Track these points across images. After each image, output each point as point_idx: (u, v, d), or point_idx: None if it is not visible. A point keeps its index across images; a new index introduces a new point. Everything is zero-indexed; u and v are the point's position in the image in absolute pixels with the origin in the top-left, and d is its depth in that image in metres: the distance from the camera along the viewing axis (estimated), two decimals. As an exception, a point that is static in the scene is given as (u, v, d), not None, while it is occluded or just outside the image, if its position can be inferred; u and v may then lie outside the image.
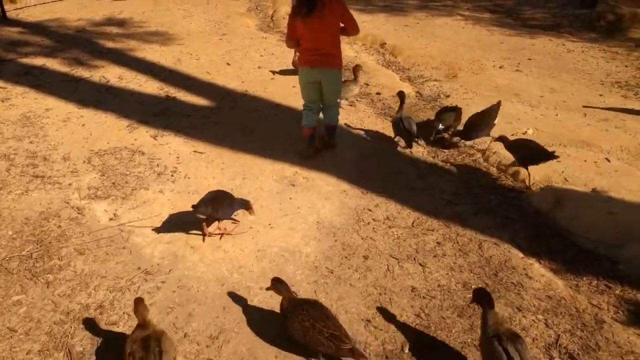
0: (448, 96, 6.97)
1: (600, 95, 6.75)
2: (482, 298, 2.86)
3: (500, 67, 7.80)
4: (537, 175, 4.93)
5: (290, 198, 4.49)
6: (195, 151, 5.32)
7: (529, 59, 8.08)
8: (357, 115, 6.37)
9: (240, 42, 9.10)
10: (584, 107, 6.43)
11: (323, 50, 4.77)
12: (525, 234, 4.23)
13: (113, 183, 4.68)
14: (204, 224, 3.89)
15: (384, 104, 6.80)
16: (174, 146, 5.41)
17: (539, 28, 10.16)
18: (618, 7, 9.67)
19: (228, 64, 7.98)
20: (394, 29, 9.97)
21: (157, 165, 5.01)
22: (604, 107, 6.43)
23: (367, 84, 7.46)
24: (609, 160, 5.07)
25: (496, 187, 4.90)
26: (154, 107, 6.38)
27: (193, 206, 3.76)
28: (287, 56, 8.42)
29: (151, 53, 8.41)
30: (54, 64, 7.75)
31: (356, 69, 6.55)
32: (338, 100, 5.28)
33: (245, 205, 3.99)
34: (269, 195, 4.53)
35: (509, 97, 6.83)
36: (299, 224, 4.15)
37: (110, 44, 8.76)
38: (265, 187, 4.66)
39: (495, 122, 5.41)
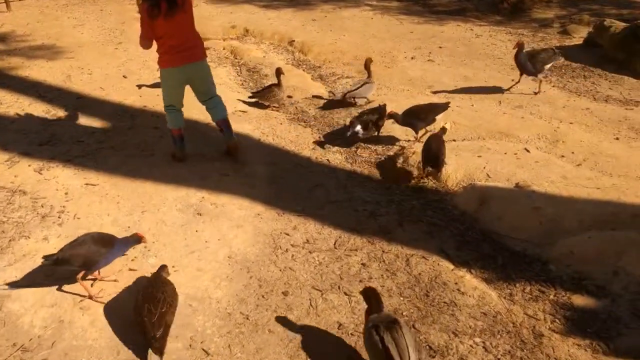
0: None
1: (512, 80, 6.67)
2: (371, 298, 2.83)
3: (412, 58, 7.61)
4: (459, 173, 4.71)
5: (196, 231, 4.00)
6: (87, 184, 4.71)
7: (440, 47, 7.94)
8: (268, 123, 5.94)
9: (137, 51, 8.37)
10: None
11: (190, 43, 4.55)
12: (453, 241, 3.98)
13: (-14, 235, 4.00)
14: (78, 277, 3.31)
15: (296, 108, 6.41)
16: (62, 180, 4.76)
17: (446, 14, 10.11)
18: (519, -13, 9.76)
19: (124, 76, 7.31)
20: (301, 24, 9.59)
21: (42, 206, 4.37)
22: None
23: (278, 87, 7.01)
24: (528, 151, 4.93)
25: (418, 191, 4.63)
26: (39, 135, 5.65)
27: (45, 257, 3.22)
28: (189, 63, 7.82)
29: (36, 70, 7.58)
30: None
31: (368, 63, 6.24)
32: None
33: (134, 241, 3.48)
34: (172, 230, 4.02)
35: (423, 89, 6.63)
36: (207, 262, 3.68)
37: (-12, 64, 7.82)
38: (168, 220, 4.14)
39: (437, 118, 5.16)
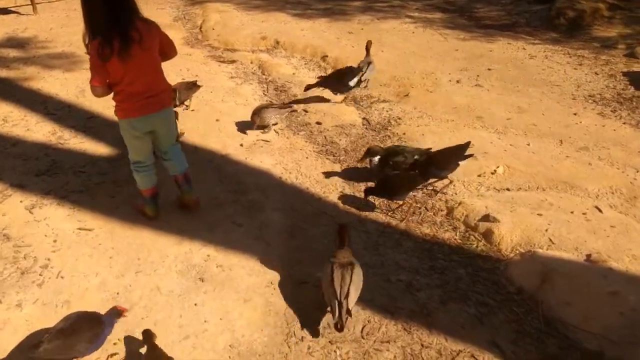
0: (400, 122, 5.92)
1: (575, 114, 5.80)
2: (342, 234, 3.30)
3: (458, 82, 6.80)
4: (515, 235, 3.91)
5: (195, 304, 3.32)
6: (80, 229, 4.10)
7: (489, 69, 7.11)
8: (292, 157, 5.23)
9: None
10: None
11: (156, 89, 3.65)
12: (509, 331, 3.21)
13: (-47, 295, 3.41)
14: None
15: (325, 137, 5.68)
16: (53, 222, 4.17)
17: (495, 28, 9.23)
18: (578, 1, 8.82)
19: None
20: (336, 37, 8.86)
21: (24, 257, 3.77)
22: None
23: (306, 111, 6.32)
24: (600, 210, 4.10)
25: (465, 255, 3.86)
26: (39, 162, 5.09)
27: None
28: (213, 78, 7.21)
29: (51, 82, 7.06)
30: None
31: (369, 44, 6.45)
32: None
33: (115, 315, 2.97)
34: (167, 301, 3.35)
35: (470, 121, 5.82)
36: (204, 351, 2.99)
37: (2, 73, 7.34)
38: (165, 286, 3.48)
39: (461, 164, 4.38)
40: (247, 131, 5.71)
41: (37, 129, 5.74)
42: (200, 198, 4.42)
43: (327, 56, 8.04)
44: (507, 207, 4.21)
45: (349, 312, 3.00)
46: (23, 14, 10.41)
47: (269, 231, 4.05)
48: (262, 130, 5.68)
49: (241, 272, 3.61)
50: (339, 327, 2.98)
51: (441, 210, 4.37)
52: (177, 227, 4.07)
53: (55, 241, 3.95)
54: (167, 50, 3.75)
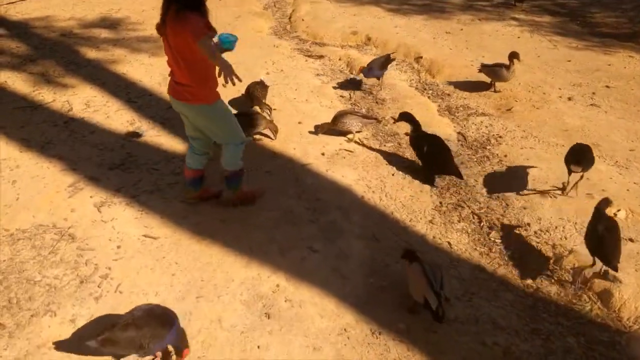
0: (500, 141, 5.27)
1: None
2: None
3: (570, 99, 6.02)
4: (629, 291, 3.24)
5: (258, 347, 2.94)
6: (146, 235, 3.83)
7: (607, 87, 6.26)
8: (377, 172, 4.75)
9: (246, 53, 7.51)
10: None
11: (176, 77, 3.53)
12: None
13: (8, 301, 3.20)
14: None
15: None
16: (119, 225, 3.93)
17: (613, 37, 8.24)
18: None
19: (224, 85, 6.39)
20: (432, 37, 8.22)
21: (86, 263, 3.54)
22: None
23: (394, 119, 5.78)
24: None
25: (576, 320, 3.24)
26: (115, 153, 4.90)
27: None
28: (299, 74, 6.82)
29: (136, 67, 6.94)
30: (16, 82, 6.34)
31: (512, 57, 6.05)
32: (238, 142, 3.83)
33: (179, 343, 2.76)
34: (227, 339, 2.99)
35: (584, 147, 5.06)
36: (263, 411, 2.59)
37: (92, 53, 7.31)
38: (227, 319, 3.12)
39: None
40: (329, 138, 5.27)
41: (117, 117, 5.58)
42: (276, 213, 4.05)
43: (421, 57, 7.44)
44: (630, 264, 3.53)
45: (447, 299, 3.06)
46: (118, -7, 10.45)
47: (348, 263, 3.60)
48: (346, 139, 5.23)
49: (312, 310, 3.18)
50: (441, 314, 2.92)
51: (547, 257, 3.74)
52: (247, 245, 3.72)
53: (119, 247, 3.69)
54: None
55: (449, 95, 6.47)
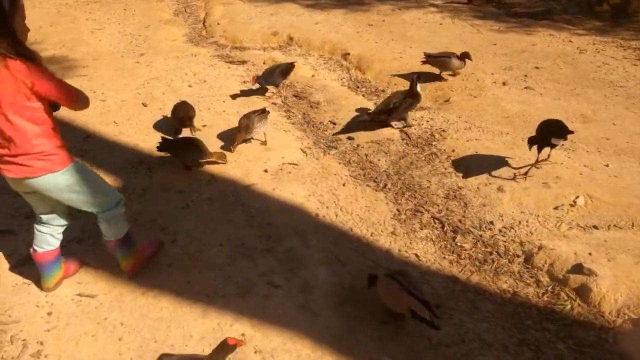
0: (445, 135, 5.12)
1: (652, 124, 5.00)
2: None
3: (504, 84, 5.99)
4: (620, 293, 3.16)
5: (234, 417, 2.56)
6: (80, 294, 3.33)
7: (537, 68, 6.28)
8: (327, 184, 4.45)
9: (163, 65, 7.00)
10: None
11: (11, 150, 2.62)
12: None
13: None
14: None
15: (360, 156, 4.89)
16: (47, 286, 3.38)
17: (529, 17, 8.37)
18: (621, -15, 7.96)
19: (144, 104, 5.90)
20: (355, 30, 8.01)
21: (11, 341, 3.02)
22: None
23: (334, 123, 5.52)
24: None
25: (560, 321, 3.11)
26: (29, 198, 4.28)
27: None
28: (224, 83, 6.39)
29: (41, 94, 6.20)
30: None
31: (464, 57, 5.94)
32: (113, 205, 3.10)
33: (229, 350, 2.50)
34: (196, 412, 2.58)
35: (529, 133, 4.99)
36: None
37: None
38: (190, 386, 2.71)
39: None
40: (269, 151, 4.93)
41: (27, 155, 4.92)
42: (227, 247, 3.66)
43: (348, 54, 7.21)
44: (601, 253, 3.44)
45: (437, 306, 2.97)
46: (9, 11, 9.46)
47: (315, 295, 3.28)
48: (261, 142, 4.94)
49: (287, 359, 2.84)
50: (436, 324, 2.76)
51: (517, 256, 3.61)
52: (201, 290, 3.31)
53: (49, 314, 3.18)
54: (58, 99, 2.68)
55: (383, 91, 6.28)
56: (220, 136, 5.13)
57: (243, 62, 7.24)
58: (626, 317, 3.07)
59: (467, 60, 5.95)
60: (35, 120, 2.61)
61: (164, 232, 3.89)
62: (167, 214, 4.09)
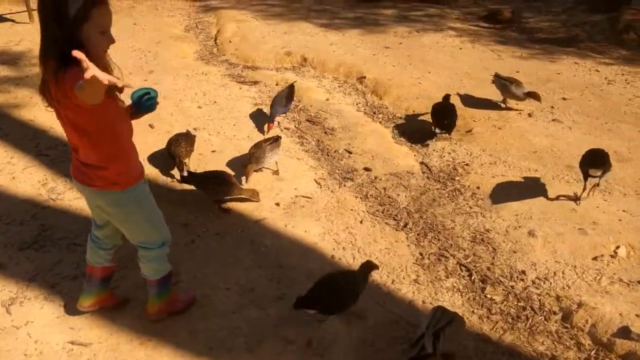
0: (468, 169, 4.81)
1: (691, 165, 4.67)
2: None
3: (530, 115, 5.69)
4: (674, 365, 2.80)
5: None
6: (73, 342, 3.02)
7: (564, 99, 5.99)
8: (342, 221, 4.14)
9: (172, 85, 6.73)
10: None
11: (78, 154, 2.54)
12: None
13: None
14: None
15: (378, 189, 4.59)
16: (37, 331, 3.10)
17: (552, 43, 8.09)
18: (647, 13, 7.68)
19: (151, 126, 5.62)
20: (371, 53, 7.75)
21: (-7, 399, 2.67)
22: None
23: (349, 152, 5.22)
24: None
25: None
26: (24, 227, 4.02)
27: None
28: (235, 105, 6.11)
29: (44, 111, 5.94)
30: None
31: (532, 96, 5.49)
32: (158, 244, 2.90)
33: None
34: None
35: (559, 171, 4.72)
36: None
37: (-11, 97, 6.27)
38: None
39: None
40: (281, 182, 4.63)
41: (25, 177, 4.67)
42: (234, 291, 3.34)
43: (364, 77, 6.93)
44: (650, 315, 3.09)
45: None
46: (18, 23, 9.31)
47: (332, 353, 2.95)
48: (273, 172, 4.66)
49: None
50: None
51: (554, 313, 3.27)
52: (205, 342, 2.99)
53: (38, 366, 2.85)
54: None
55: (401, 119, 5.98)
56: (230, 163, 4.84)
57: (255, 83, 6.98)
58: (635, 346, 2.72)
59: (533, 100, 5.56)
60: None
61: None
62: (171, 251, 3.77)
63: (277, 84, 6.91)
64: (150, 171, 4.80)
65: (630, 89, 6.21)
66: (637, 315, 3.09)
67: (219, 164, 4.80)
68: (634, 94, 6.05)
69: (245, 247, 3.80)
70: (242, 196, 4.19)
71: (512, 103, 5.85)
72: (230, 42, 8.46)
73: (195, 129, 5.54)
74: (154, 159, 5.01)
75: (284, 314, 3.22)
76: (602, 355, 2.99)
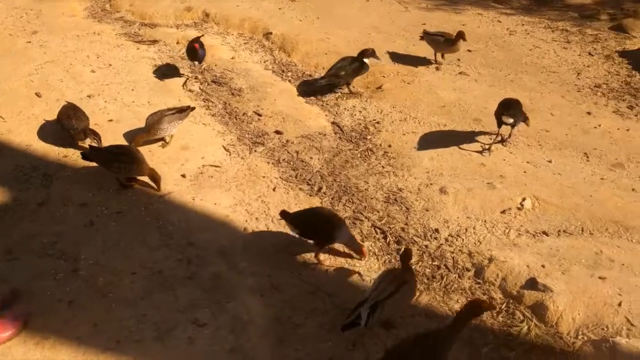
0: (379, 127, 4.76)
1: (589, 113, 4.87)
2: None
3: (437, 69, 5.68)
4: (578, 312, 2.94)
5: None
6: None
7: (469, 51, 6.02)
8: (254, 190, 3.97)
9: (61, 47, 6.13)
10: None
11: None
12: None
13: None
14: None
15: (290, 153, 4.44)
16: None
17: (457, -6, 8.09)
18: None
19: (38, 94, 5.09)
20: (277, 7, 7.42)
21: None
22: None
23: (259, 114, 5.01)
24: (676, 268, 3.18)
25: (519, 347, 2.86)
26: None
27: None
28: (133, 68, 5.66)
29: None
30: None
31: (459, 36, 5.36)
32: None
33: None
34: None
35: (467, 123, 4.78)
36: None
37: None
38: None
39: None
40: (187, 150, 4.37)
41: None
42: (141, 275, 3.12)
43: (271, 33, 6.63)
44: (554, 265, 3.22)
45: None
46: None
47: (248, 334, 2.83)
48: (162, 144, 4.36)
49: None
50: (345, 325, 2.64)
51: (467, 270, 3.33)
52: (109, 334, 2.78)
53: None
54: None
55: (310, 76, 5.79)
56: (129, 135, 4.48)
57: (154, 42, 6.50)
58: (585, 338, 2.86)
59: (461, 40, 5.44)
60: None
61: (63, 258, 3.27)
62: (68, 235, 3.47)
63: (177, 42, 6.47)
64: (41, 146, 4.37)
65: (530, 40, 6.35)
66: (542, 266, 3.19)
67: (116, 134, 4.44)
68: (533, 44, 6.20)
69: (150, 225, 3.55)
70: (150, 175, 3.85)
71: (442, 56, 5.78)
72: (125, -5, 7.79)
73: (89, 96, 5.09)
74: (43, 131, 4.55)
75: (195, 295, 3.04)
76: (512, 308, 3.07)
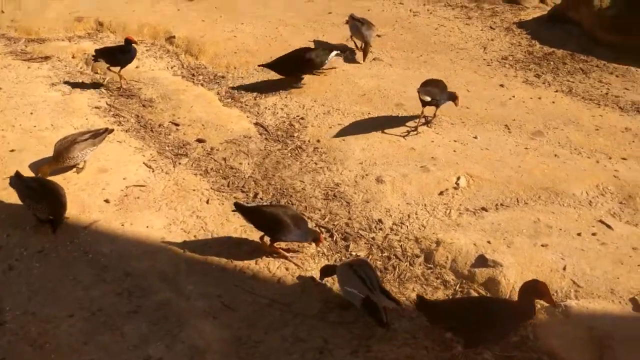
0: (305, 123, 4.68)
1: (502, 85, 5.05)
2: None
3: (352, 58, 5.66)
4: (528, 277, 3.01)
5: None
6: None
7: (379, 36, 6.06)
8: (187, 205, 3.78)
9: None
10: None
11: None
12: None
13: None
14: None
15: (217, 161, 4.26)
16: None
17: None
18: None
19: None
20: (175, 8, 7.13)
21: None
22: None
23: (176, 124, 4.76)
24: (608, 226, 3.37)
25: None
26: None
27: None
28: (28, 89, 5.19)
29: None
30: None
31: None
32: None
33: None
34: None
35: (389, 108, 4.82)
36: None
37: None
38: None
39: None
40: (105, 173, 4.06)
41: None
42: (79, 317, 2.84)
43: (174, 37, 6.35)
44: (498, 239, 3.30)
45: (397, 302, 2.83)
46: None
47: (209, 362, 2.65)
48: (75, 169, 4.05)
49: None
50: (385, 319, 2.67)
51: (417, 256, 3.33)
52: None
53: None
54: None
55: (223, 78, 5.60)
56: (35, 165, 4.07)
57: (46, 58, 6.02)
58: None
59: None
60: None
61: None
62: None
63: (73, 56, 6.03)
64: None
65: (433, 19, 6.50)
66: (488, 242, 3.26)
67: (22, 166, 4.03)
68: (438, 23, 6.35)
69: (79, 261, 3.26)
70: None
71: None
72: (2, 12, 7.15)
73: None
74: None
75: (143, 330, 2.82)
76: (466, 288, 3.11)
